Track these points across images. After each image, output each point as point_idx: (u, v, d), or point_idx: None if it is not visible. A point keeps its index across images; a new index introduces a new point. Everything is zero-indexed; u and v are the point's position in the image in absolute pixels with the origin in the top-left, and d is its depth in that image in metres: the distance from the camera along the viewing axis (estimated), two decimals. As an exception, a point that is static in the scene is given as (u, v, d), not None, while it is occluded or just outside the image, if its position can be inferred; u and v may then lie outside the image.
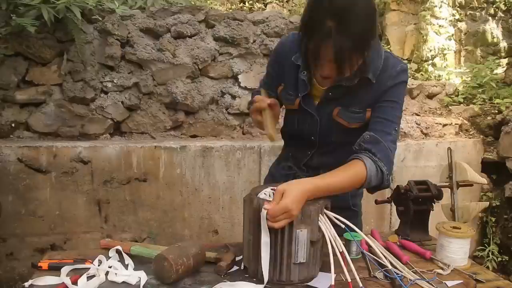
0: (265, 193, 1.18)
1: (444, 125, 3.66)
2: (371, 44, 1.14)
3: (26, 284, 1.08)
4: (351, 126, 1.32)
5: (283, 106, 1.45)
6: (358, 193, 1.54)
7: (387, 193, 3.13)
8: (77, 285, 1.08)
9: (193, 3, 3.75)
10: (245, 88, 3.03)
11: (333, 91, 1.31)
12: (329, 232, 1.12)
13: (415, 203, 1.50)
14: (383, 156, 1.23)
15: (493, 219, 3.41)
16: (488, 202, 1.84)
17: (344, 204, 1.47)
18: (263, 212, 1.06)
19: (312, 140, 1.41)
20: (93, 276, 1.13)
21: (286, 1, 5.46)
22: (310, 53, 1.14)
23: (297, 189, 1.07)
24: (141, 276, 1.13)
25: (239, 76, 3.02)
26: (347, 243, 1.33)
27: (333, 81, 1.27)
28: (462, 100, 4.11)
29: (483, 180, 1.67)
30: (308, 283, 1.14)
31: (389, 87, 1.27)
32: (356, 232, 1.17)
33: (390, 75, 1.27)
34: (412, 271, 1.22)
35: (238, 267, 1.23)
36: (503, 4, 5.16)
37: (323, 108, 1.35)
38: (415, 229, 1.51)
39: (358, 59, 1.14)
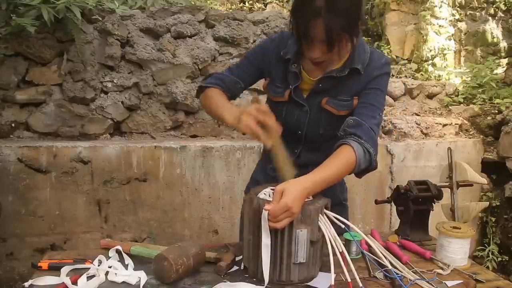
0: (265, 193, 1.19)
1: (444, 125, 3.66)
2: (359, 29, 1.22)
3: (26, 284, 1.08)
4: (340, 114, 1.35)
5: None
6: (345, 188, 1.62)
7: (387, 193, 3.15)
8: (77, 285, 1.08)
9: (193, 3, 3.75)
10: (245, 88, 3.03)
11: (323, 83, 1.35)
12: (329, 232, 1.12)
13: (415, 203, 1.50)
14: (368, 137, 1.26)
15: (493, 219, 3.41)
16: (488, 202, 1.84)
17: (335, 199, 1.48)
18: (264, 213, 1.06)
19: (299, 135, 1.42)
20: (93, 276, 1.13)
21: (286, 1, 5.46)
22: (301, 34, 1.19)
23: (296, 187, 1.07)
24: (141, 276, 1.13)
25: (239, 76, 3.02)
26: (347, 243, 1.34)
27: (323, 70, 1.34)
28: (462, 100, 4.11)
29: (483, 180, 1.67)
30: (308, 283, 1.14)
31: (375, 76, 1.34)
32: (356, 232, 1.17)
33: (376, 66, 1.34)
34: (412, 271, 1.22)
35: (238, 267, 1.23)
36: (503, 4, 5.16)
37: (312, 100, 1.38)
38: (415, 229, 1.51)
39: (347, 41, 1.21)
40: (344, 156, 1.20)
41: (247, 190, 1.63)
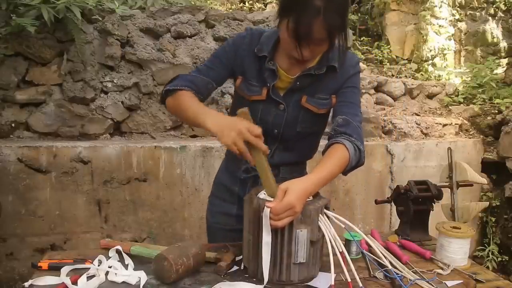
0: (264, 193, 1.19)
1: (444, 125, 3.66)
2: (347, 29, 1.22)
3: (26, 284, 1.08)
4: (320, 112, 1.37)
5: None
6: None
7: (387, 193, 3.15)
8: (77, 285, 1.08)
9: (193, 3, 3.75)
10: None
11: (300, 80, 1.34)
12: (329, 232, 1.12)
13: (415, 203, 1.50)
14: (357, 135, 1.27)
15: (493, 219, 3.41)
16: (488, 202, 1.84)
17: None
18: (266, 211, 1.06)
19: (275, 134, 1.39)
20: (93, 276, 1.13)
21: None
22: (302, 34, 1.14)
23: (299, 186, 1.08)
24: (141, 276, 1.13)
25: (239, 76, 3.02)
26: (347, 243, 1.34)
27: (300, 68, 1.32)
28: (462, 100, 4.11)
29: (483, 180, 1.67)
30: (308, 283, 1.14)
31: (351, 74, 1.36)
32: (356, 232, 1.17)
33: (351, 64, 1.37)
34: (412, 271, 1.22)
35: (238, 267, 1.23)
36: (503, 4, 5.16)
37: (289, 98, 1.36)
38: (415, 229, 1.51)
39: (340, 39, 1.21)
40: (338, 155, 1.22)
41: (213, 197, 1.58)
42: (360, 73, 1.41)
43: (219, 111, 2.97)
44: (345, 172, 1.26)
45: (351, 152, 1.23)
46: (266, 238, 1.09)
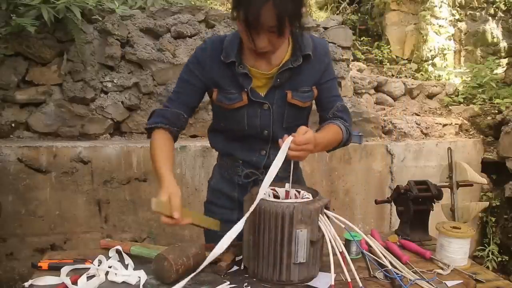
0: (264, 193, 1.19)
1: (444, 125, 3.66)
2: (303, 13, 1.20)
3: (26, 284, 1.08)
4: (305, 105, 1.39)
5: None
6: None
7: (387, 193, 3.15)
8: (77, 285, 1.08)
9: (193, 3, 3.75)
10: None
11: (280, 77, 1.32)
12: (329, 232, 1.12)
13: (415, 203, 1.50)
14: (350, 122, 1.45)
15: (493, 219, 3.42)
16: (488, 202, 1.84)
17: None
18: (288, 139, 1.13)
19: (265, 135, 1.38)
20: (93, 276, 1.13)
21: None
22: (251, 22, 1.13)
23: (313, 133, 1.18)
24: (141, 276, 1.13)
25: (239, 76, 3.02)
26: (347, 243, 1.34)
27: (269, 61, 1.31)
28: (462, 100, 4.11)
29: (483, 180, 1.67)
30: (308, 283, 1.14)
31: (327, 64, 1.39)
32: (356, 232, 1.17)
33: (324, 52, 1.39)
34: (412, 271, 1.22)
35: (238, 267, 1.23)
36: (503, 4, 5.16)
37: (271, 95, 1.34)
38: (415, 229, 1.51)
39: (295, 26, 1.20)
40: (336, 132, 1.36)
41: (210, 204, 1.55)
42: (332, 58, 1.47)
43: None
44: (333, 149, 1.41)
45: (344, 135, 1.39)
46: (277, 162, 1.13)
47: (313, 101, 1.43)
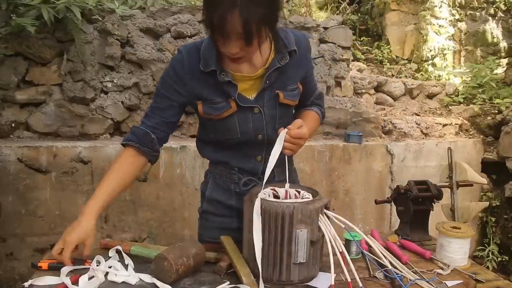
0: (264, 193, 1.19)
1: (444, 125, 3.66)
2: (279, 16, 1.14)
3: (26, 284, 1.08)
4: (295, 103, 1.39)
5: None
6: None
7: (387, 193, 3.15)
8: (77, 285, 1.08)
9: (193, 3, 3.75)
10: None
11: (269, 78, 1.26)
12: (329, 232, 1.12)
13: (415, 203, 1.50)
14: (324, 107, 1.54)
15: (493, 219, 3.42)
16: (488, 202, 1.84)
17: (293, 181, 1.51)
18: (283, 132, 1.16)
19: (260, 140, 1.33)
20: (93, 276, 1.13)
21: (286, 1, 5.46)
22: (216, 28, 1.07)
23: (307, 128, 1.21)
24: (145, 279, 1.13)
25: (239, 76, 3.02)
26: (347, 243, 1.34)
27: (249, 64, 1.26)
28: (462, 100, 4.11)
29: (483, 180, 1.67)
30: (308, 283, 1.14)
31: (309, 59, 1.40)
32: (356, 232, 1.17)
33: (305, 46, 1.36)
34: (412, 271, 1.22)
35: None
36: (503, 4, 5.16)
37: (261, 98, 1.29)
38: (415, 229, 1.51)
39: (267, 31, 1.12)
40: (316, 120, 1.44)
41: (207, 214, 1.47)
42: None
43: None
44: None
45: (321, 121, 1.50)
46: (275, 152, 1.15)
47: None
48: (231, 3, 1.02)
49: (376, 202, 1.64)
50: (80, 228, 1.22)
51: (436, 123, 3.61)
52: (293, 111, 1.44)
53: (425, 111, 3.97)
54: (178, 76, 1.27)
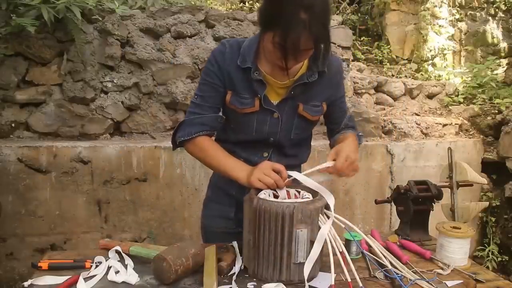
0: (264, 193, 1.19)
1: (444, 125, 3.66)
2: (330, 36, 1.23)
3: (26, 284, 1.08)
4: (314, 119, 1.43)
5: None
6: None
7: (387, 193, 3.15)
8: (77, 285, 1.08)
9: (193, 3, 3.75)
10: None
11: (295, 90, 1.35)
12: (329, 232, 1.12)
13: (415, 203, 1.50)
14: (356, 127, 1.58)
15: (493, 219, 3.41)
16: (488, 202, 1.84)
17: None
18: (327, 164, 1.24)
19: (270, 142, 1.41)
20: (93, 276, 1.13)
21: (286, 1, 5.45)
22: (285, 49, 1.15)
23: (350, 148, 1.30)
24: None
25: (239, 76, 3.02)
26: (347, 243, 1.34)
27: (292, 75, 1.33)
28: (462, 100, 4.11)
29: (483, 180, 1.67)
30: (308, 283, 1.14)
31: (339, 81, 1.46)
32: (356, 232, 1.17)
33: (337, 70, 1.45)
34: (412, 271, 1.22)
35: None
36: (503, 4, 5.16)
37: (283, 106, 1.37)
38: (415, 229, 1.51)
39: (326, 48, 1.22)
40: (354, 140, 1.44)
41: (209, 202, 1.57)
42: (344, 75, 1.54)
43: None
44: None
45: (359, 140, 1.50)
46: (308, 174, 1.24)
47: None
48: (301, 25, 1.11)
49: (376, 202, 1.64)
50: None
51: (436, 123, 3.61)
52: (313, 127, 1.49)
53: (425, 111, 3.97)
54: (218, 64, 1.36)
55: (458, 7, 5.17)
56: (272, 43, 1.17)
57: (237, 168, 1.31)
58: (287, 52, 1.16)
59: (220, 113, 1.42)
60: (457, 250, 1.29)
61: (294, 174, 1.24)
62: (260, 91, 1.34)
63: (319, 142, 3.02)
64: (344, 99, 1.52)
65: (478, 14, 5.22)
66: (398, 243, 1.44)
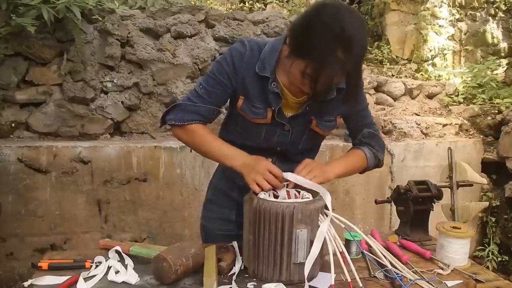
0: (264, 193, 1.19)
1: (444, 125, 3.66)
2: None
3: (26, 284, 1.08)
4: (325, 134, 1.41)
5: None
6: None
7: (387, 193, 3.15)
8: (77, 285, 1.08)
9: (193, 3, 3.75)
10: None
11: (311, 106, 1.30)
12: (329, 232, 1.12)
13: (415, 203, 1.50)
14: (379, 147, 1.46)
15: (493, 219, 3.41)
16: (488, 202, 1.85)
17: None
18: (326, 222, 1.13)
19: (276, 151, 1.39)
20: (93, 276, 1.13)
21: (286, 1, 5.46)
22: (316, 82, 1.12)
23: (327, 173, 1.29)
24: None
25: (239, 76, 3.02)
26: (347, 243, 1.33)
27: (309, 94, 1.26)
28: (462, 100, 4.11)
29: (483, 180, 1.67)
30: (308, 283, 1.14)
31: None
32: (356, 232, 1.17)
33: None
34: (412, 271, 1.22)
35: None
36: (503, 4, 5.16)
37: (295, 119, 1.33)
38: (415, 229, 1.51)
39: (358, 84, 1.21)
40: (358, 157, 1.41)
41: (209, 203, 1.56)
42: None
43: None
44: (361, 172, 1.46)
45: (369, 159, 1.42)
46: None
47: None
48: (339, 64, 1.07)
49: (376, 202, 1.64)
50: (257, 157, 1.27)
51: (436, 123, 3.61)
52: (322, 140, 1.48)
53: (425, 111, 3.96)
54: (234, 66, 1.29)
55: (458, 7, 5.17)
56: (301, 72, 1.13)
57: (231, 156, 1.27)
58: (317, 86, 1.12)
59: (219, 109, 1.37)
60: (457, 250, 1.29)
61: (289, 175, 1.22)
62: (275, 104, 1.28)
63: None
64: (364, 111, 1.43)
65: (478, 14, 5.22)
66: (398, 243, 1.44)
